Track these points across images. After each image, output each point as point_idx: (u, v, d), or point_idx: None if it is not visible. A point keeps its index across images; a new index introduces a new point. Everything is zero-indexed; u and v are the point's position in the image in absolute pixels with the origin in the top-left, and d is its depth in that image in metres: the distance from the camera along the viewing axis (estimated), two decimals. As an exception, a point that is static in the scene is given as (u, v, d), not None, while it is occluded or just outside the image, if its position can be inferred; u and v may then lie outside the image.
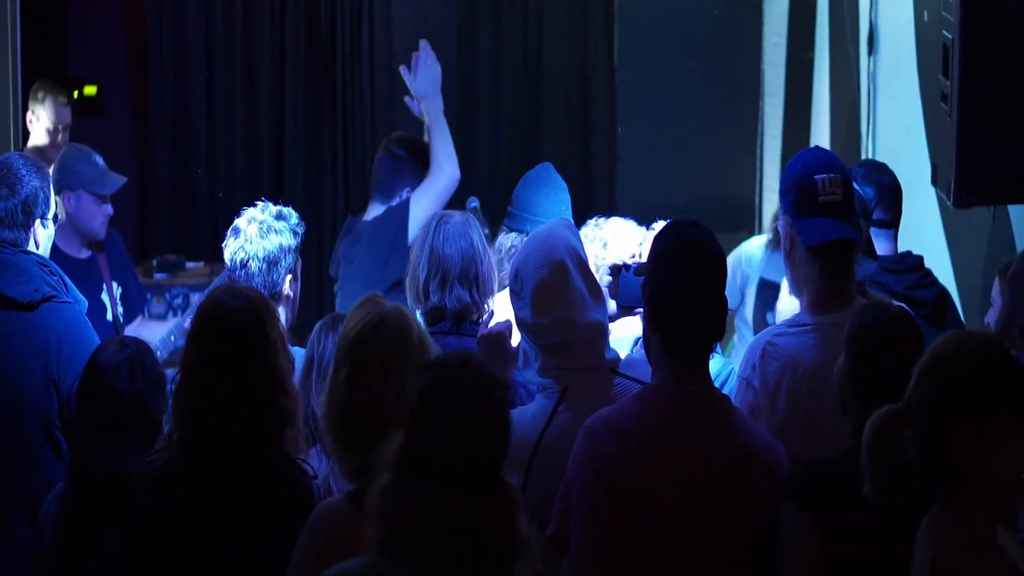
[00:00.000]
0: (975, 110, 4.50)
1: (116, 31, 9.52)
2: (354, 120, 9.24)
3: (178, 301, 7.30)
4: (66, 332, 4.58)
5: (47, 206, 4.71)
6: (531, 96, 9.33)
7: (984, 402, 3.07)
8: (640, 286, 3.74)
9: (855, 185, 4.92)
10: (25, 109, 7.08)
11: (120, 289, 6.33)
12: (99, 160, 6.27)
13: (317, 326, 4.29)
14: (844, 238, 3.98)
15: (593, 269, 4.14)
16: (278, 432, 3.65)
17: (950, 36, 4.57)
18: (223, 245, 4.64)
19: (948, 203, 4.71)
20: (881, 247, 5.00)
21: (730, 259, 6.17)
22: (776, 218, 6.64)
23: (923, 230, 6.09)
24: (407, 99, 6.36)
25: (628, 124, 9.16)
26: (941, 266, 5.78)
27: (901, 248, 5.13)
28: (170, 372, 3.87)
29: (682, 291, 3.58)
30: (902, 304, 3.83)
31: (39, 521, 4.09)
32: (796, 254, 4.02)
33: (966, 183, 4.54)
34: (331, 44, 9.20)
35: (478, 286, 4.51)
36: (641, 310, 3.76)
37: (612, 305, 4.43)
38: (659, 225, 4.90)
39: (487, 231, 5.12)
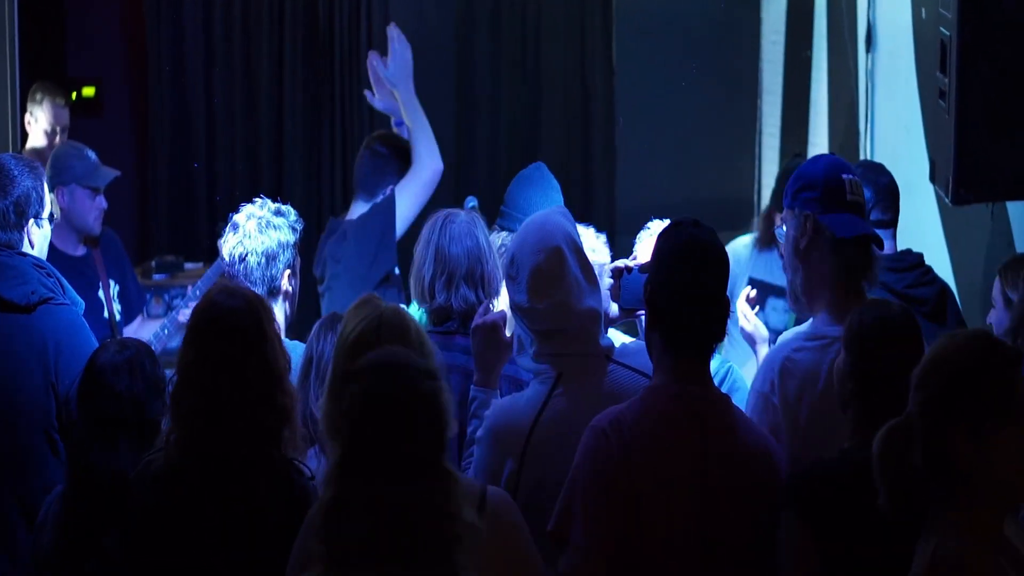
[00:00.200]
0: (973, 107, 4.50)
1: (115, 32, 9.52)
2: (353, 120, 9.23)
3: (177, 302, 7.29)
4: (64, 334, 4.57)
5: (41, 206, 4.70)
6: (530, 96, 9.33)
7: (982, 402, 3.07)
8: (642, 287, 3.75)
9: None
10: (24, 111, 7.08)
11: (117, 287, 6.32)
12: (91, 154, 6.27)
13: (316, 326, 4.29)
14: (872, 235, 3.99)
15: None
16: (277, 431, 3.65)
17: (948, 33, 4.57)
18: (220, 241, 4.64)
19: (947, 200, 4.71)
20: (881, 247, 5.00)
21: None
22: (766, 216, 6.65)
23: (922, 228, 6.09)
24: (367, 92, 6.36)
25: (627, 123, 9.16)
26: (940, 264, 5.78)
27: (900, 246, 5.14)
28: (169, 372, 3.87)
29: (683, 291, 3.58)
30: (901, 304, 3.82)
31: (38, 522, 4.09)
32: (814, 251, 3.98)
33: (964, 180, 4.54)
34: (329, 45, 9.20)
35: (484, 286, 4.49)
36: (642, 312, 3.75)
37: (614, 308, 4.42)
38: (654, 224, 4.90)
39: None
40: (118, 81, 9.43)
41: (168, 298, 7.83)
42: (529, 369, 4.00)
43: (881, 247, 4.04)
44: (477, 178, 9.06)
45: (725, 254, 3.69)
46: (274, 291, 4.60)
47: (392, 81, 6.25)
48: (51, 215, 4.78)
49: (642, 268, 4.54)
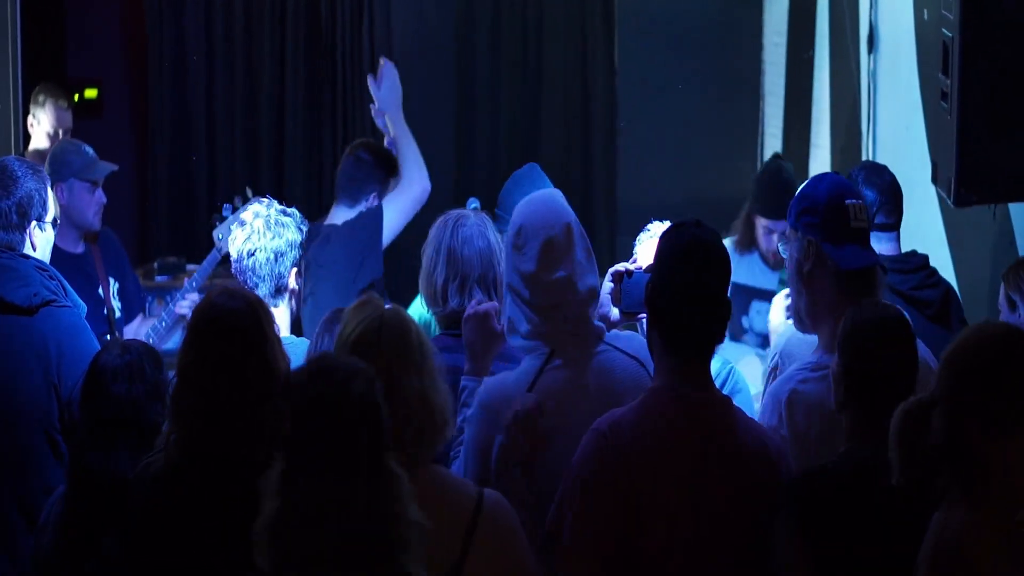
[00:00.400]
0: (975, 108, 4.50)
1: (115, 33, 9.53)
2: (354, 121, 9.23)
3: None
4: (66, 336, 4.58)
5: (44, 209, 4.70)
6: (531, 97, 9.32)
7: (1004, 397, 3.09)
8: (643, 291, 3.75)
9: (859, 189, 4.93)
10: (26, 112, 7.08)
11: (116, 284, 6.32)
12: (88, 149, 6.28)
13: (319, 324, 4.29)
14: (876, 264, 3.99)
15: None
16: (277, 431, 3.64)
17: (950, 34, 4.57)
18: (215, 233, 4.61)
19: (949, 202, 4.71)
20: (885, 249, 4.99)
21: None
22: (746, 219, 6.64)
23: (924, 229, 6.09)
24: (372, 106, 6.44)
25: (628, 124, 9.16)
26: (942, 265, 5.77)
27: (902, 248, 5.13)
28: (171, 374, 3.87)
29: (685, 291, 3.58)
30: (894, 305, 3.80)
31: (40, 523, 4.09)
32: (818, 277, 3.97)
33: (966, 181, 4.54)
34: (331, 45, 9.20)
35: (496, 289, 4.47)
36: (643, 316, 3.75)
37: (614, 312, 4.42)
38: (654, 226, 4.90)
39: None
40: (118, 82, 9.43)
41: (170, 299, 7.84)
42: (521, 347, 4.00)
43: (886, 272, 4.03)
44: (477, 178, 9.06)
45: (727, 255, 3.69)
46: (281, 289, 4.61)
47: (383, 108, 6.34)
48: (55, 219, 4.78)
49: (645, 270, 4.54)
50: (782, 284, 6.66)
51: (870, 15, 7.11)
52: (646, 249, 4.75)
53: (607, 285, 4.44)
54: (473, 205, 5.75)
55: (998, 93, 4.50)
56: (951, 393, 3.18)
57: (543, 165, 5.94)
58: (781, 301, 5.38)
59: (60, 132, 7.25)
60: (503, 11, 9.28)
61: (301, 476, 2.87)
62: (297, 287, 4.70)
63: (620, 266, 4.41)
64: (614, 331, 4.17)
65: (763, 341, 6.51)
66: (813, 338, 4.05)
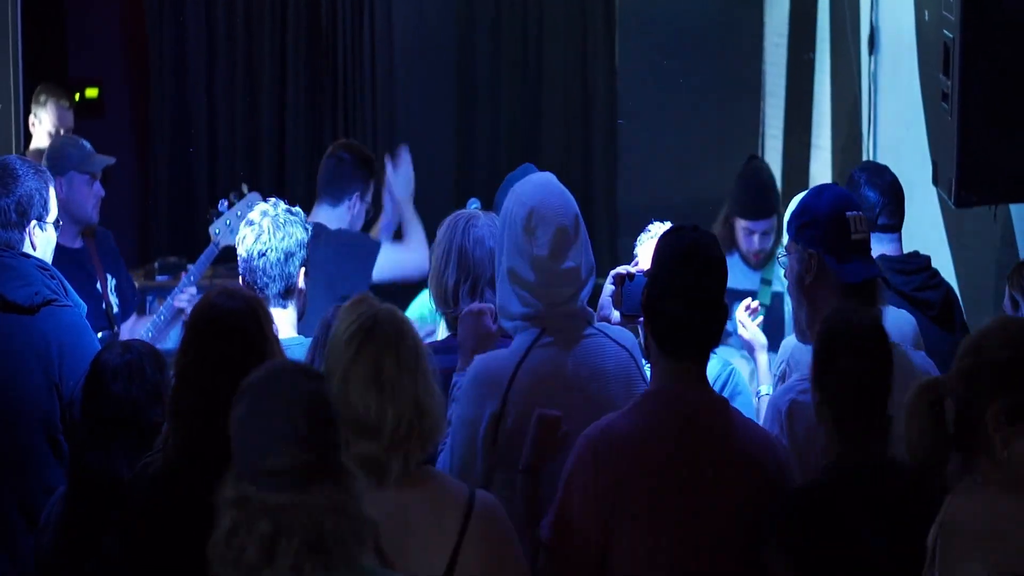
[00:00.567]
0: (976, 109, 4.50)
1: (116, 33, 9.54)
2: (355, 121, 9.24)
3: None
4: (67, 336, 4.58)
5: (45, 209, 4.70)
6: (531, 97, 9.33)
7: (1014, 383, 3.11)
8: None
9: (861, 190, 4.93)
10: (27, 112, 7.09)
11: (113, 280, 6.33)
12: (86, 143, 6.29)
13: (320, 323, 4.29)
14: (878, 276, 4.00)
15: None
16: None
17: (951, 35, 4.57)
18: (213, 229, 4.57)
19: (949, 202, 4.71)
20: (887, 250, 4.99)
21: None
22: (724, 221, 6.63)
23: (924, 229, 6.09)
24: (385, 185, 6.56)
25: (628, 125, 9.16)
26: (943, 265, 5.77)
27: (906, 249, 5.13)
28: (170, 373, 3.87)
29: (683, 294, 3.58)
30: (870, 311, 3.78)
31: (41, 523, 4.09)
32: (819, 289, 3.97)
33: (967, 182, 4.54)
34: (332, 44, 9.21)
35: None
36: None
37: (615, 314, 4.43)
38: (655, 227, 4.90)
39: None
40: (119, 82, 9.44)
41: (170, 298, 7.85)
42: (512, 328, 4.03)
43: (888, 284, 4.03)
44: (477, 178, 9.06)
45: (724, 259, 3.69)
46: (290, 289, 4.60)
47: (396, 192, 6.49)
48: (57, 221, 4.78)
49: (645, 274, 4.55)
50: (764, 284, 6.66)
51: (871, 16, 7.11)
52: (646, 250, 4.76)
53: (608, 287, 4.44)
54: (474, 205, 5.74)
55: (999, 94, 4.50)
56: (967, 379, 3.21)
57: (543, 165, 5.92)
58: (746, 306, 5.36)
59: (61, 132, 7.27)
60: (503, 11, 9.29)
61: (253, 484, 2.85)
62: (304, 288, 4.70)
63: (621, 269, 4.42)
64: (603, 323, 4.20)
65: (742, 343, 6.51)
66: None
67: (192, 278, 6.19)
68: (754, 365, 5.17)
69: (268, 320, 3.68)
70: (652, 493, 3.51)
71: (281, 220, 4.63)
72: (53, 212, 4.75)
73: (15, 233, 4.66)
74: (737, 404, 4.36)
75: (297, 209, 4.74)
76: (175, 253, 8.55)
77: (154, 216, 9.25)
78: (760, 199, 6.71)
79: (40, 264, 4.66)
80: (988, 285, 5.75)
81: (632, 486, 3.51)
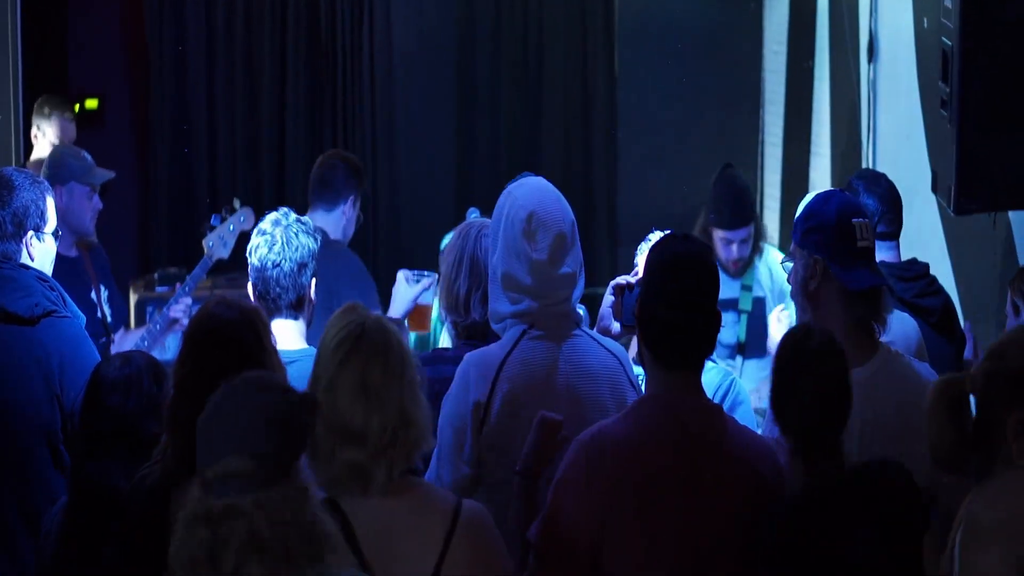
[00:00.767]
0: (975, 116, 4.50)
1: (116, 44, 9.54)
2: (354, 125, 9.25)
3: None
4: (68, 347, 4.59)
5: (42, 220, 4.71)
6: (531, 104, 9.35)
7: None
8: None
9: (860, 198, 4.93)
10: (27, 123, 7.10)
11: (107, 292, 6.34)
12: (87, 155, 6.34)
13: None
14: (883, 284, 4.00)
15: None
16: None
17: (949, 43, 4.57)
18: (207, 242, 4.54)
19: (949, 210, 4.71)
20: (885, 258, 4.99)
21: None
22: (702, 233, 6.61)
23: (924, 237, 6.09)
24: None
25: (628, 133, 9.16)
26: (943, 273, 5.77)
27: (903, 256, 5.13)
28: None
29: (672, 301, 3.59)
30: (829, 332, 3.78)
31: (43, 533, 4.09)
32: (824, 295, 3.97)
33: (966, 190, 4.54)
34: (331, 48, 9.22)
35: None
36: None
37: (615, 325, 4.43)
38: (655, 236, 4.90)
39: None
40: (119, 92, 9.45)
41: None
42: (500, 328, 4.07)
43: (892, 292, 4.04)
44: (476, 187, 9.07)
45: (715, 267, 3.70)
46: (302, 299, 4.59)
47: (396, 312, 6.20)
48: (56, 231, 4.78)
49: (638, 283, 4.56)
50: (744, 290, 6.66)
51: (870, 24, 7.11)
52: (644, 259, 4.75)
53: (608, 298, 4.44)
54: (473, 215, 5.75)
55: (998, 101, 4.50)
56: (989, 384, 3.23)
57: (543, 173, 5.93)
58: (778, 318, 5.39)
59: (64, 143, 7.29)
60: (503, 20, 9.31)
61: (211, 492, 2.86)
62: (314, 299, 4.70)
63: (621, 279, 4.42)
64: (594, 332, 4.23)
65: (730, 352, 6.52)
66: None
67: (187, 289, 6.21)
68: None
69: (266, 331, 3.69)
70: (646, 498, 3.51)
71: (294, 230, 4.62)
72: (51, 222, 4.75)
73: (12, 244, 4.66)
74: (738, 414, 4.36)
75: (307, 219, 4.74)
76: (175, 264, 8.57)
77: (154, 227, 9.26)
78: (737, 208, 6.70)
79: (40, 275, 4.66)
80: (988, 293, 5.75)
81: (625, 491, 3.51)
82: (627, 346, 4.70)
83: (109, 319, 6.30)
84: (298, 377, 3.55)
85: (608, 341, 4.14)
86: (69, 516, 3.96)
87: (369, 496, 3.25)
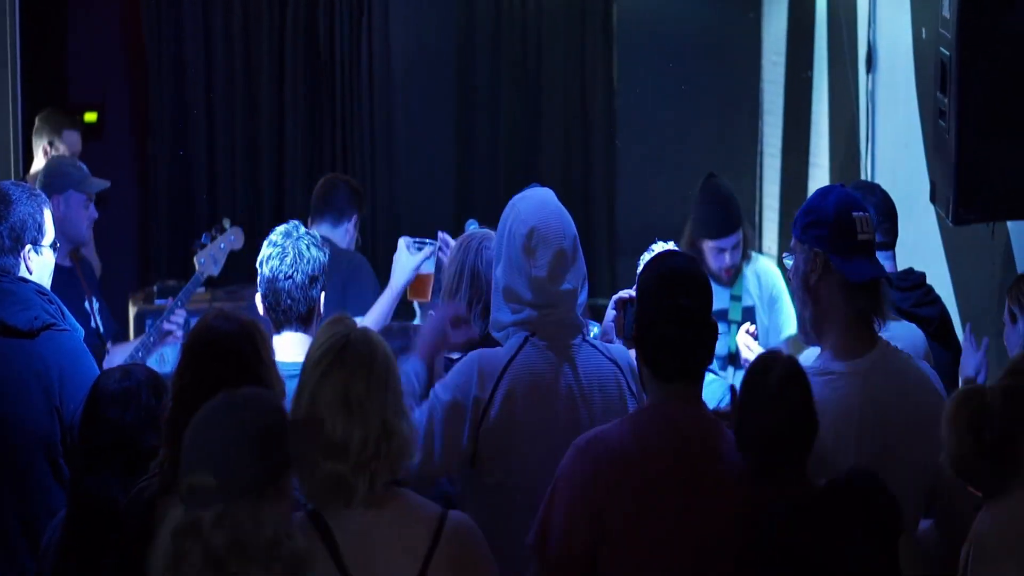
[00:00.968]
0: (973, 127, 4.50)
1: (116, 58, 9.55)
2: (353, 130, 9.25)
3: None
4: (67, 360, 4.59)
5: (40, 233, 4.71)
6: (530, 114, 9.35)
7: None
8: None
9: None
10: (26, 135, 7.11)
11: (98, 304, 6.35)
12: (83, 166, 6.40)
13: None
14: (883, 277, 4.00)
15: None
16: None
17: (947, 53, 4.57)
18: (199, 259, 4.53)
19: (947, 220, 4.71)
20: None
21: None
22: (689, 244, 6.60)
23: (922, 247, 6.09)
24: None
25: (627, 143, 9.17)
26: (941, 283, 5.77)
27: (901, 266, 5.13)
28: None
29: (668, 315, 3.61)
30: (792, 358, 3.79)
31: (43, 547, 4.09)
32: (824, 289, 3.96)
33: (964, 200, 4.54)
34: (330, 52, 9.22)
35: None
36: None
37: (618, 341, 4.44)
38: (658, 247, 4.91)
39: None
40: (119, 106, 9.46)
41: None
42: (503, 337, 4.09)
43: (891, 284, 4.04)
44: (475, 197, 9.08)
45: (707, 279, 3.73)
46: (311, 312, 4.60)
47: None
48: (54, 243, 4.78)
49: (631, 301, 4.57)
50: (734, 300, 6.66)
51: (868, 34, 7.12)
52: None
53: (610, 313, 4.45)
54: (472, 226, 5.74)
55: (996, 111, 4.50)
56: (1007, 399, 3.24)
57: (542, 179, 5.96)
58: (747, 344, 5.39)
59: (75, 157, 7.35)
60: (503, 31, 9.32)
61: (192, 504, 2.88)
62: (322, 313, 4.70)
63: (624, 293, 4.42)
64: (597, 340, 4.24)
65: (721, 364, 6.52)
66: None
67: (180, 303, 6.25)
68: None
69: (265, 343, 3.69)
70: (642, 505, 3.52)
71: (305, 243, 4.63)
72: (49, 235, 4.75)
73: (10, 258, 4.66)
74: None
75: (315, 232, 4.75)
76: (174, 277, 8.57)
77: (153, 240, 9.26)
78: (725, 215, 6.69)
79: (39, 289, 4.67)
80: (987, 302, 5.75)
81: (621, 497, 3.52)
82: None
83: (102, 330, 6.31)
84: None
85: (611, 348, 4.14)
86: (68, 529, 3.95)
87: (352, 508, 3.25)
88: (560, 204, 4.14)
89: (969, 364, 4.82)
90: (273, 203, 9.24)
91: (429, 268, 5.54)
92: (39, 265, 4.72)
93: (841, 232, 3.94)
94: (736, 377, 6.55)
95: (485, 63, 9.33)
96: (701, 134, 8.83)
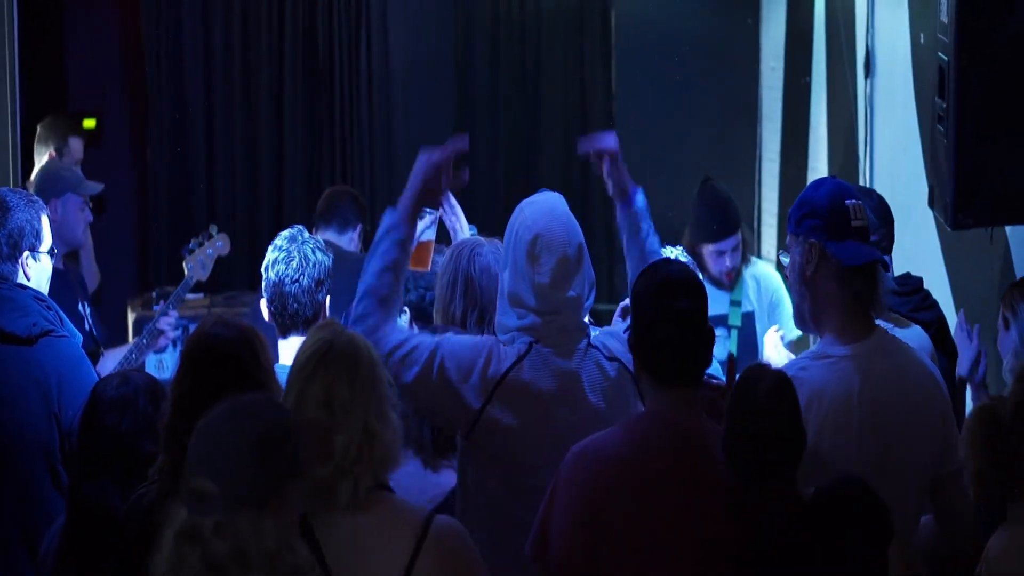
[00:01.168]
0: (971, 131, 4.50)
1: (115, 65, 9.55)
2: (352, 140, 9.25)
3: (177, 333, 7.33)
4: (66, 366, 4.59)
5: (38, 239, 4.72)
6: (529, 118, 9.35)
7: None
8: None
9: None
10: (24, 142, 7.11)
11: (88, 309, 6.36)
12: (77, 169, 6.55)
13: None
14: (879, 259, 4.01)
15: None
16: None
17: (946, 58, 4.57)
18: (187, 265, 4.53)
19: (946, 225, 4.71)
20: (880, 272, 5.00)
21: None
22: (690, 249, 6.60)
23: (921, 252, 6.08)
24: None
25: (626, 147, 9.15)
26: (940, 288, 5.77)
27: (899, 271, 5.13)
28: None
29: (665, 320, 3.62)
30: (782, 371, 3.78)
31: (41, 554, 4.09)
32: (821, 278, 3.97)
33: (963, 205, 4.54)
34: (329, 61, 9.22)
35: None
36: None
37: None
38: (664, 251, 4.92)
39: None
40: (117, 112, 9.46)
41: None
42: (507, 340, 4.07)
43: (887, 269, 4.05)
44: (475, 204, 9.05)
45: (701, 284, 3.74)
46: (317, 316, 4.60)
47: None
48: (51, 249, 4.79)
49: (623, 312, 4.58)
50: (734, 305, 6.65)
51: (867, 39, 7.12)
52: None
53: (616, 320, 4.46)
54: (472, 232, 5.74)
55: (994, 116, 4.50)
56: (1019, 414, 3.23)
57: (541, 185, 5.94)
58: (774, 343, 5.41)
59: (79, 163, 7.41)
60: (501, 37, 9.32)
61: (194, 511, 2.88)
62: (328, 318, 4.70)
63: (628, 301, 4.43)
64: (603, 337, 4.24)
65: (722, 369, 6.51)
66: None
67: (170, 305, 6.31)
68: None
69: (264, 349, 3.69)
70: (639, 512, 3.53)
71: (310, 247, 4.64)
72: (46, 241, 4.76)
73: (8, 265, 4.67)
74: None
75: (319, 238, 4.76)
76: (173, 283, 8.56)
77: (152, 247, 9.25)
78: (723, 217, 6.69)
79: (37, 295, 4.67)
80: (985, 308, 5.74)
81: (621, 500, 3.53)
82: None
83: (95, 333, 6.32)
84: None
85: (615, 346, 4.13)
86: (67, 536, 3.95)
87: (335, 512, 3.25)
88: (568, 211, 4.15)
89: (964, 359, 4.83)
90: (273, 207, 9.24)
91: (430, 236, 5.54)
92: (37, 271, 4.73)
93: (835, 220, 3.96)
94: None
95: (484, 66, 9.33)
96: (699, 139, 8.83)
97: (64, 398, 4.54)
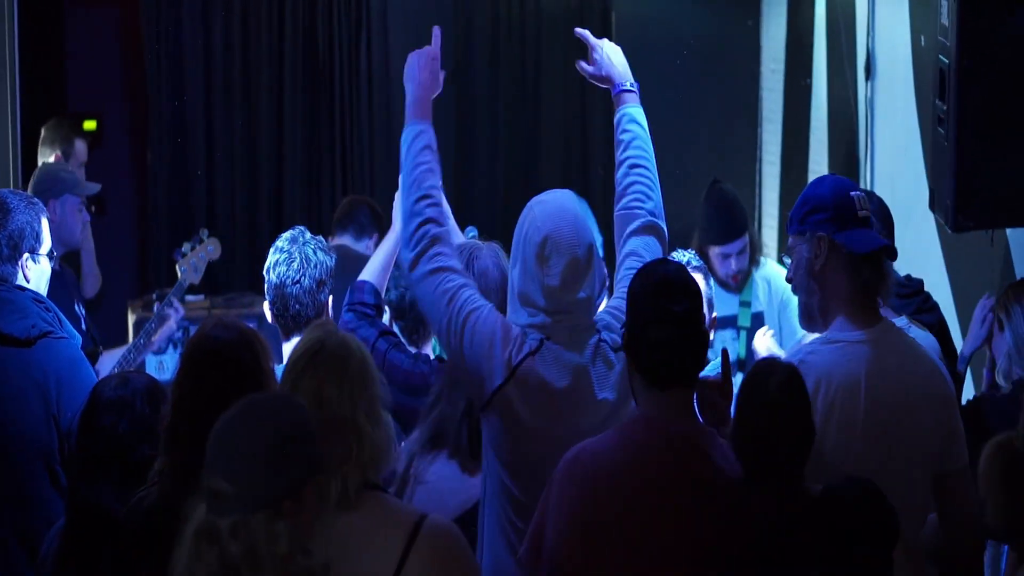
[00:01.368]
0: (972, 134, 4.50)
1: (115, 66, 9.55)
2: (352, 141, 9.25)
3: (178, 334, 7.34)
4: (65, 368, 4.59)
5: (37, 241, 4.72)
6: (529, 119, 9.34)
7: None
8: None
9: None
10: (25, 144, 7.11)
11: (83, 311, 6.37)
12: (76, 170, 6.58)
13: None
14: (887, 245, 4.02)
15: None
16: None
17: (946, 60, 4.57)
18: (180, 267, 4.55)
19: (946, 227, 4.71)
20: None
21: None
22: (698, 251, 6.60)
23: (922, 254, 6.08)
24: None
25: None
26: (940, 290, 5.77)
27: (899, 273, 5.13)
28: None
29: (659, 322, 3.61)
30: (790, 364, 3.78)
31: (40, 556, 4.09)
32: (830, 270, 3.97)
33: (964, 207, 4.54)
34: (329, 62, 9.21)
35: None
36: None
37: None
38: (677, 255, 4.91)
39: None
40: (117, 114, 9.46)
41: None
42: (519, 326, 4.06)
43: (895, 258, 4.05)
44: (475, 208, 9.07)
45: (696, 286, 3.73)
46: (320, 316, 4.60)
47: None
48: (51, 252, 4.79)
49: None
50: (743, 306, 6.65)
51: (867, 42, 7.12)
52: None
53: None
54: (472, 234, 5.74)
55: (995, 118, 4.51)
56: None
57: (541, 188, 5.93)
58: (765, 342, 5.40)
59: (82, 165, 7.41)
60: (500, 39, 9.32)
61: (211, 512, 2.88)
62: (331, 317, 4.70)
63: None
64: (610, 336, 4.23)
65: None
66: None
67: (165, 309, 6.40)
68: None
69: (264, 351, 3.69)
70: (634, 516, 3.52)
71: (311, 247, 4.64)
72: (46, 243, 4.76)
73: (8, 267, 4.67)
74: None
75: (320, 238, 4.76)
76: (172, 285, 8.56)
77: (152, 249, 9.25)
78: (729, 220, 6.70)
79: (36, 297, 4.67)
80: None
81: (614, 508, 3.52)
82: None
83: (93, 333, 6.33)
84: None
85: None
86: (66, 538, 3.95)
87: (324, 512, 3.25)
88: (577, 210, 4.17)
89: (972, 337, 4.84)
90: (273, 207, 9.24)
91: None
92: (36, 273, 4.73)
93: (842, 211, 3.97)
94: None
95: (484, 67, 9.32)
96: (700, 141, 8.82)
97: (63, 399, 4.54)
